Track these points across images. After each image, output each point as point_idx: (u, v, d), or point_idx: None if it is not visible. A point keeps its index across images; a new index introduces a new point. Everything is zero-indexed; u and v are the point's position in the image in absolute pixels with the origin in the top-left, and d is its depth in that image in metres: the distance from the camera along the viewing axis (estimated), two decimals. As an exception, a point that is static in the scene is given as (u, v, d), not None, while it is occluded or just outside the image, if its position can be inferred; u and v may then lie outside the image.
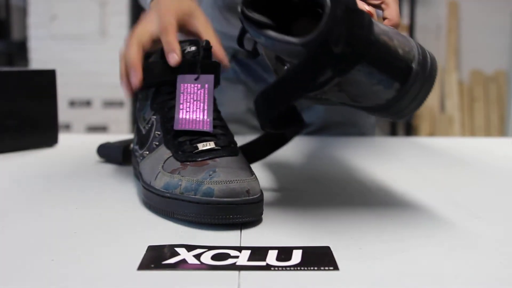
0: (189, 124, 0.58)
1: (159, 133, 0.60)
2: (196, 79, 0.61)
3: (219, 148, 0.56)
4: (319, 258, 0.42)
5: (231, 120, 1.07)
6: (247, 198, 0.50)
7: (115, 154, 0.77)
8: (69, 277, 0.39)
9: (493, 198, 0.62)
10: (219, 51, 0.68)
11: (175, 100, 0.60)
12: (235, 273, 0.40)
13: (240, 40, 0.57)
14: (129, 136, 0.84)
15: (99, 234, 0.49)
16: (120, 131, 2.71)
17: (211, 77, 0.62)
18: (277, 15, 0.51)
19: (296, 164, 0.79)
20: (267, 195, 0.61)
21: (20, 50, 2.87)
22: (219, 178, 0.50)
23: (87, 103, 2.80)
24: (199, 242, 0.46)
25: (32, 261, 0.42)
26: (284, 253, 0.43)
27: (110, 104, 2.78)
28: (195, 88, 0.61)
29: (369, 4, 0.60)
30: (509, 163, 0.83)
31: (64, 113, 2.67)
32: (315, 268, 0.41)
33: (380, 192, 0.64)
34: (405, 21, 2.96)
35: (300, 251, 0.44)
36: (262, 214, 0.52)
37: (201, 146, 0.56)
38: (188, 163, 0.54)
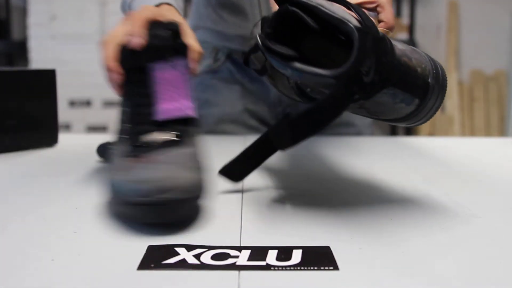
0: (171, 112, 0.56)
1: (125, 125, 0.58)
2: (169, 64, 0.58)
3: (168, 141, 0.54)
4: (319, 258, 0.42)
5: (228, 120, 1.07)
6: (176, 197, 0.47)
7: (115, 154, 0.77)
8: (69, 277, 0.40)
9: (493, 198, 0.62)
10: (194, 58, 0.65)
11: (150, 89, 0.58)
12: (235, 273, 0.40)
13: (246, 60, 0.57)
14: (129, 136, 0.84)
15: (99, 234, 0.49)
16: (120, 131, 2.71)
17: (184, 61, 0.59)
18: (288, 35, 0.51)
19: (294, 164, 0.79)
20: (267, 195, 0.61)
21: (20, 50, 2.87)
22: (153, 175, 0.48)
23: (87, 103, 2.80)
24: (199, 242, 0.46)
25: (32, 261, 0.42)
26: (284, 253, 0.43)
27: (110, 104, 2.79)
28: (170, 74, 0.58)
29: (365, 8, 0.61)
30: (509, 163, 0.83)
31: (64, 113, 2.68)
32: (315, 268, 0.41)
33: (380, 192, 0.64)
34: (405, 21, 2.96)
35: (300, 251, 0.44)
36: (199, 212, 0.51)
37: (149, 139, 0.54)
38: (132, 158, 0.53)
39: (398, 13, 3.07)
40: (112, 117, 2.81)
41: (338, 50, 0.50)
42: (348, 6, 0.49)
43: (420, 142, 1.03)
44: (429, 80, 0.51)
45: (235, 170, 0.60)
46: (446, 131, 3.04)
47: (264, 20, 0.52)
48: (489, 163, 0.82)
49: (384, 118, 0.54)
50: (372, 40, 0.46)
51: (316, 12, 0.48)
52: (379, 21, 0.60)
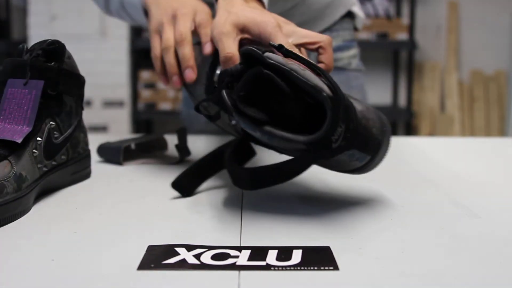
0: (2, 133, 0.55)
1: None
2: (25, 84, 0.58)
3: None
4: (319, 258, 0.42)
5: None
6: None
7: (115, 154, 0.77)
8: (69, 277, 0.40)
9: (493, 198, 0.62)
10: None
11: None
12: (235, 273, 0.40)
13: (197, 107, 0.58)
14: (129, 136, 0.84)
15: (99, 234, 0.49)
16: (120, 131, 2.72)
17: (40, 83, 0.59)
18: (256, 96, 0.51)
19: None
20: (267, 195, 0.61)
21: (20, 50, 2.86)
22: None
23: (87, 103, 2.80)
24: (199, 242, 0.46)
25: (32, 261, 0.42)
26: (284, 253, 0.43)
27: (110, 104, 2.78)
28: (22, 94, 0.58)
29: (307, 49, 0.61)
30: (509, 163, 0.83)
31: (64, 113, 2.67)
32: (315, 268, 0.41)
33: (379, 192, 0.64)
34: (405, 21, 2.96)
35: (300, 251, 0.44)
36: None
37: None
38: None
39: (398, 13, 3.07)
40: (112, 117, 2.82)
41: (304, 111, 0.51)
42: (318, 71, 0.50)
43: (420, 142, 1.03)
44: (379, 137, 0.53)
45: (186, 183, 0.61)
46: (446, 131, 3.04)
47: (225, 74, 0.51)
48: (489, 163, 0.82)
49: (334, 170, 0.57)
50: (343, 109, 0.48)
51: (289, 77, 0.49)
52: (319, 62, 0.61)
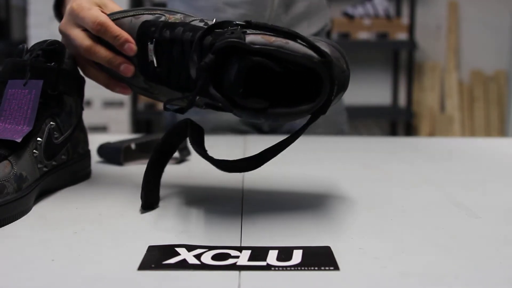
0: (2, 133, 0.55)
1: None
2: (24, 84, 0.59)
3: None
4: (319, 258, 0.42)
5: (226, 127, 1.06)
6: None
7: (115, 154, 0.77)
8: (69, 277, 0.40)
9: (493, 198, 0.62)
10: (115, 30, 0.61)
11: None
12: (235, 273, 0.40)
13: (165, 106, 0.56)
14: (129, 136, 0.84)
15: (99, 234, 0.49)
16: (120, 131, 2.71)
17: (39, 83, 0.59)
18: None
19: (295, 164, 0.79)
20: (267, 195, 0.61)
21: (20, 50, 2.86)
22: None
23: (87, 103, 2.80)
24: (199, 242, 0.46)
25: (32, 261, 0.42)
26: (285, 253, 0.43)
27: (110, 104, 2.79)
28: (22, 94, 0.58)
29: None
30: (509, 163, 0.83)
31: (64, 113, 2.67)
32: (315, 268, 0.41)
33: (380, 192, 0.64)
34: (405, 21, 2.96)
35: (300, 251, 0.44)
36: None
37: None
38: None
39: (398, 13, 3.07)
40: (112, 117, 2.82)
41: (290, 79, 0.51)
42: (294, 36, 0.49)
43: (420, 142, 1.03)
44: (347, 71, 0.54)
45: (151, 198, 0.57)
46: (446, 131, 3.04)
47: (201, 69, 0.49)
48: (489, 163, 0.82)
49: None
50: (334, 68, 0.48)
51: (276, 55, 0.48)
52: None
